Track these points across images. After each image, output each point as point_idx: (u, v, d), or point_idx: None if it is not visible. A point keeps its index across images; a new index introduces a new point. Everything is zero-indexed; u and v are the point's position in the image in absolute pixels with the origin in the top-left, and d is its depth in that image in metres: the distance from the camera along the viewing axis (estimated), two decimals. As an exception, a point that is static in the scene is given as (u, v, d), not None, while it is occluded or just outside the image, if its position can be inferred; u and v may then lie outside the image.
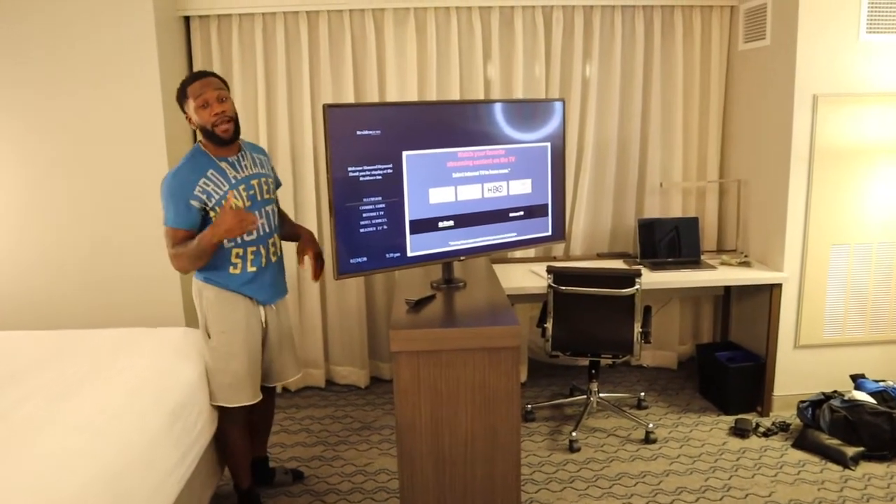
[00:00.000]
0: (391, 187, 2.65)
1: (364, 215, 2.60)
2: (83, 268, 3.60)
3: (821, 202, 3.46)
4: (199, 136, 2.57)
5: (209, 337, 2.61)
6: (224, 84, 2.54)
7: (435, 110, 2.75)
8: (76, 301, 3.63)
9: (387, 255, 2.69)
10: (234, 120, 2.52)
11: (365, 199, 2.60)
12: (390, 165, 2.63)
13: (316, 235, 3.92)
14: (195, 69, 3.80)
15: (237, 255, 2.56)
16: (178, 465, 2.26)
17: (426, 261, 2.79)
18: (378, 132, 2.59)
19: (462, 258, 2.90)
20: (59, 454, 1.84)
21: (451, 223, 2.83)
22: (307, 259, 2.81)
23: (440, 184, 2.77)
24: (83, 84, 3.44)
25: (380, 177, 2.62)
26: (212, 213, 2.49)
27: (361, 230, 2.60)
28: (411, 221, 2.72)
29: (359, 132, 2.55)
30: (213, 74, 2.54)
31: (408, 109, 2.70)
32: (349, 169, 2.54)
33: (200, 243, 2.44)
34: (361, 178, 2.58)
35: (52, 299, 3.62)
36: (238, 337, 2.60)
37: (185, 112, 2.55)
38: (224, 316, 2.58)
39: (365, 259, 2.64)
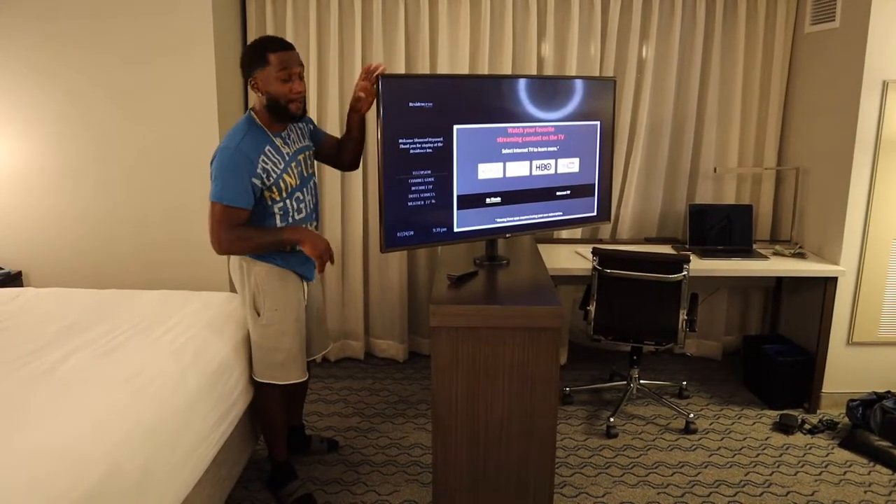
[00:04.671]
0: (441, 161, 2.61)
1: (413, 188, 2.57)
2: (134, 231, 3.68)
3: (885, 194, 3.31)
4: (256, 106, 2.44)
5: (258, 315, 2.55)
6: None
7: (487, 84, 2.70)
8: (126, 263, 3.71)
9: (433, 230, 2.66)
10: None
11: (414, 172, 2.56)
12: (441, 139, 2.60)
13: (361, 209, 3.94)
14: (249, 39, 3.81)
15: None
16: (216, 428, 2.30)
17: (472, 237, 2.76)
18: (430, 104, 2.55)
19: (508, 236, 2.86)
20: (98, 409, 1.88)
21: (498, 200, 2.79)
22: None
23: (489, 159, 2.73)
24: (139, 53, 3.48)
25: (430, 150, 2.58)
26: (267, 193, 2.41)
27: (410, 203, 2.58)
28: (459, 196, 2.69)
29: (411, 104, 2.52)
30: (293, 46, 2.42)
31: (460, 82, 2.65)
32: (400, 141, 2.51)
33: (276, 238, 2.40)
34: (412, 151, 2.55)
35: (103, 260, 3.72)
36: (290, 314, 2.56)
37: (251, 76, 2.38)
38: (276, 293, 2.53)
39: (412, 233, 2.61)
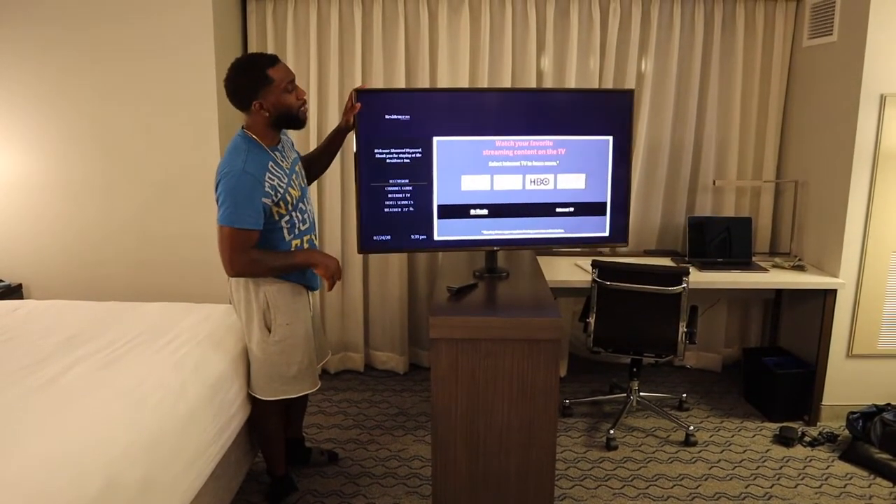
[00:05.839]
0: (419, 171, 2.70)
1: (389, 196, 2.69)
2: (134, 243, 3.69)
3: (883, 207, 3.32)
4: (252, 123, 2.39)
5: (269, 332, 2.51)
6: None
7: (470, 97, 2.75)
8: (127, 275, 3.72)
9: (412, 237, 2.74)
10: None
11: (391, 181, 2.68)
12: (419, 150, 2.68)
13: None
14: (250, 50, 3.84)
15: (296, 247, 2.51)
16: (216, 440, 2.30)
17: (454, 247, 2.80)
18: (407, 117, 2.65)
19: (496, 249, 2.86)
20: (99, 421, 1.88)
21: (484, 212, 2.80)
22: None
23: (474, 171, 2.75)
24: (138, 61, 3.50)
25: (408, 160, 2.68)
26: (275, 209, 2.40)
27: (386, 210, 2.69)
28: (440, 206, 2.75)
29: (387, 116, 2.63)
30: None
31: (439, 96, 2.75)
32: (375, 150, 2.65)
33: (288, 263, 2.42)
34: (388, 161, 2.66)
35: (103, 272, 3.73)
36: (301, 327, 2.55)
37: (256, 99, 2.32)
38: (288, 307, 2.51)
39: (389, 238, 2.72)
